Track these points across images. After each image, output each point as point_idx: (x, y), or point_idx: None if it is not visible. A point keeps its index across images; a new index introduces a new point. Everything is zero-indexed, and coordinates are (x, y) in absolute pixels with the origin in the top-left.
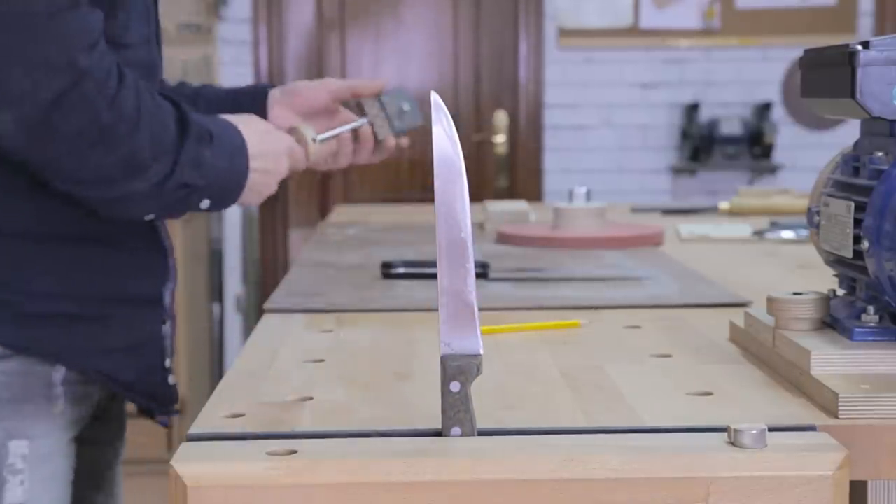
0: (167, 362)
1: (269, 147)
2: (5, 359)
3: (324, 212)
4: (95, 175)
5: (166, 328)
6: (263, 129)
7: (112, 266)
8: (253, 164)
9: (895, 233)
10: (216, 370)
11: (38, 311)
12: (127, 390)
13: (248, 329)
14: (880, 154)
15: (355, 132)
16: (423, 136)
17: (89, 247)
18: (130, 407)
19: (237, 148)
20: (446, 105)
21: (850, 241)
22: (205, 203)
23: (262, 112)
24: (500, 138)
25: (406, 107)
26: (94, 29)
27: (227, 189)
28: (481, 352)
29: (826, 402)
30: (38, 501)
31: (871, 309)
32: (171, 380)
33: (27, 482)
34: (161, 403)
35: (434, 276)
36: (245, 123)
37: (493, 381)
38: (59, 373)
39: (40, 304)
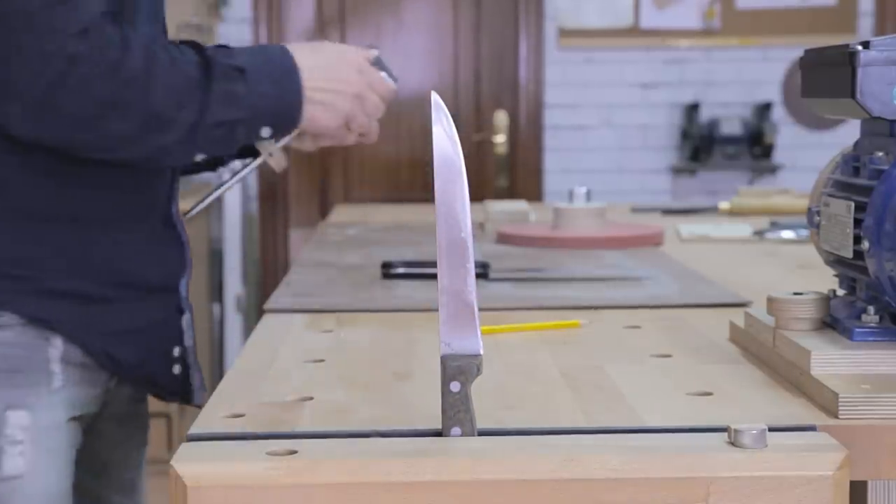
0: (176, 351)
1: (329, 64)
2: (1, 329)
3: (324, 212)
4: (119, 141)
5: (179, 318)
6: (327, 49)
7: (123, 251)
8: (311, 82)
9: (895, 233)
10: (216, 370)
11: (53, 288)
12: (126, 373)
13: (248, 329)
14: (880, 154)
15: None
16: (423, 136)
17: (102, 230)
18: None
19: (285, 71)
20: (446, 105)
21: (851, 241)
22: (265, 131)
23: None
24: (500, 138)
25: None
26: (87, 12)
27: (283, 113)
28: (481, 352)
29: (826, 402)
30: (39, 474)
31: (871, 309)
32: (175, 369)
33: (28, 454)
34: (169, 391)
35: (434, 276)
36: (304, 46)
37: (493, 381)
38: (56, 349)
39: (55, 281)
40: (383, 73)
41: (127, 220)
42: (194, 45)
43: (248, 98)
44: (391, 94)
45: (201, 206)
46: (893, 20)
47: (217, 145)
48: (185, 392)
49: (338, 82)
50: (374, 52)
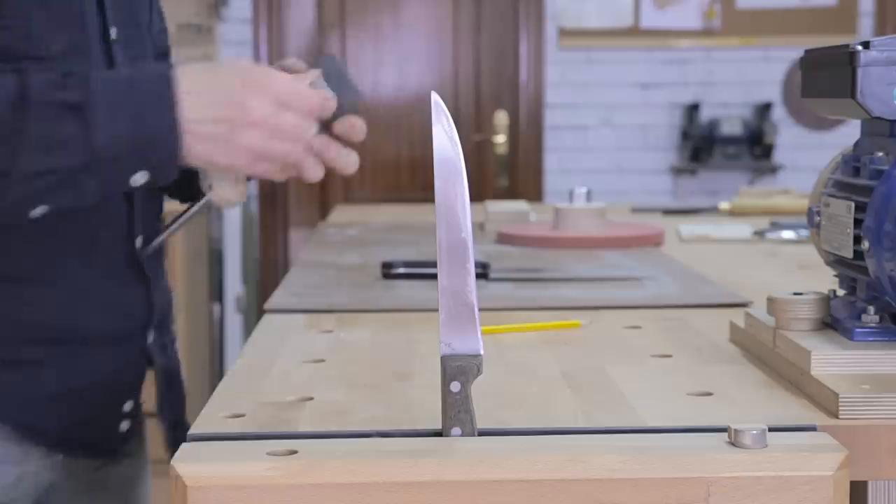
0: (127, 406)
1: (220, 86)
2: None
3: (324, 212)
4: None
5: (139, 369)
6: (223, 69)
7: (53, 305)
8: (194, 113)
9: (895, 233)
10: (216, 370)
11: None
12: (52, 444)
13: (248, 329)
14: (881, 154)
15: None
16: (423, 136)
17: (17, 285)
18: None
19: (155, 103)
20: (446, 105)
21: (851, 241)
22: (139, 176)
23: None
24: (501, 138)
25: None
26: None
27: (155, 153)
28: (482, 352)
29: (826, 402)
30: None
31: (871, 309)
32: (123, 426)
33: None
34: (107, 452)
35: (434, 277)
36: (196, 69)
37: (493, 381)
38: None
39: None
40: (321, 81)
41: (61, 271)
42: (21, 75)
43: (84, 140)
44: (324, 107)
45: (156, 242)
46: (893, 20)
47: (56, 197)
48: (115, 450)
49: (229, 109)
50: (332, 58)
